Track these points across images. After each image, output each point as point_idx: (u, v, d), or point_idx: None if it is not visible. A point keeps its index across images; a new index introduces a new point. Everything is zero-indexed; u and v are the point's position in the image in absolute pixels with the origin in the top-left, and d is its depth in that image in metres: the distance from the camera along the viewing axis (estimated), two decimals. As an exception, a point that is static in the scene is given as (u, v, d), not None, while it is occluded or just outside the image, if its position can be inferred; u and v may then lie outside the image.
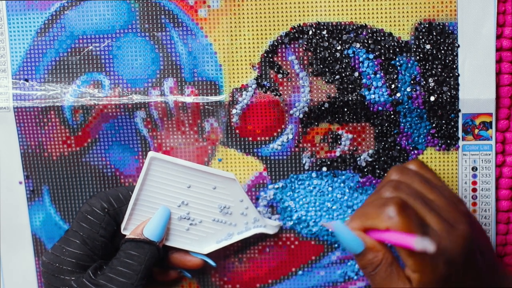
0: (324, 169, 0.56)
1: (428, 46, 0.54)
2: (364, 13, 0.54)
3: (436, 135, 0.55)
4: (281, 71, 0.55)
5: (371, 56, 0.54)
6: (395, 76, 0.54)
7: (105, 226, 0.51)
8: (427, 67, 0.54)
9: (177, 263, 0.55)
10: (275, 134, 0.55)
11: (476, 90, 0.54)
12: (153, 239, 0.51)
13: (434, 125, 0.55)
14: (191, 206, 0.53)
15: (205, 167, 0.53)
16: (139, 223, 0.52)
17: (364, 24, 0.54)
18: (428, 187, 0.46)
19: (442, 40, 0.54)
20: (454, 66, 0.54)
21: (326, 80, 0.54)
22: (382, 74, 0.54)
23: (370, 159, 0.56)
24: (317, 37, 0.54)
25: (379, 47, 0.54)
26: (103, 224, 0.51)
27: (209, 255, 0.55)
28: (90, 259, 0.50)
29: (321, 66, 0.54)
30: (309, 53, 0.54)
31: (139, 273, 0.49)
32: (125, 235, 0.52)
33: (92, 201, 0.51)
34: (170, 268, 0.56)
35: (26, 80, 0.55)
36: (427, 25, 0.54)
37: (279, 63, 0.55)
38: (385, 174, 0.55)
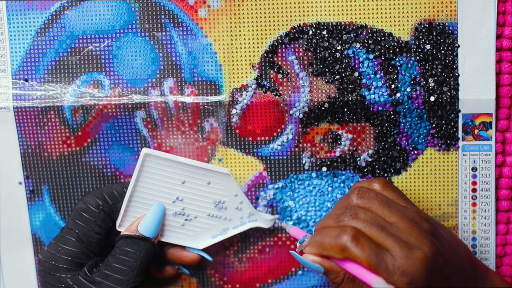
0: (324, 169, 0.56)
1: (428, 46, 0.54)
2: (364, 13, 0.54)
3: (436, 135, 0.55)
4: (281, 71, 0.55)
5: (371, 56, 0.54)
6: (395, 76, 0.54)
7: (100, 223, 0.51)
8: (427, 67, 0.54)
9: (174, 259, 0.55)
10: (275, 134, 0.55)
11: (476, 90, 0.54)
12: (148, 235, 0.51)
13: (434, 125, 0.55)
14: (186, 202, 0.54)
15: (199, 163, 0.53)
16: (134, 219, 0.53)
17: (364, 24, 0.54)
18: (388, 210, 0.47)
19: (442, 40, 0.54)
20: (454, 66, 0.54)
21: (326, 80, 0.54)
22: (382, 74, 0.54)
23: (370, 159, 0.56)
24: (317, 37, 0.54)
25: (379, 47, 0.54)
26: (98, 222, 0.51)
27: (206, 250, 0.55)
28: (86, 257, 0.50)
29: (321, 66, 0.54)
30: (309, 53, 0.54)
31: (134, 269, 0.49)
32: (120, 232, 0.52)
33: (86, 198, 0.51)
34: (167, 264, 0.56)
35: (26, 80, 0.55)
36: (427, 25, 0.54)
37: (279, 63, 0.55)
38: (348, 192, 0.53)
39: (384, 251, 0.44)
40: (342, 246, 0.44)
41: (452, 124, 0.55)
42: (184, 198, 0.54)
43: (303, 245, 0.49)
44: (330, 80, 0.54)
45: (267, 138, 0.56)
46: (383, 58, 0.54)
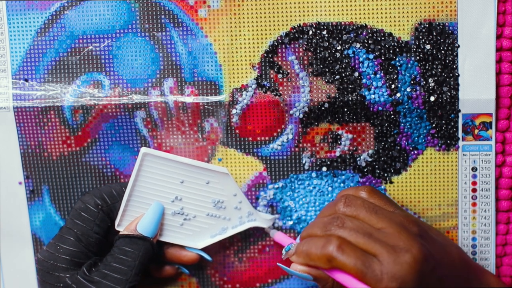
0: (324, 169, 0.56)
1: (428, 46, 0.54)
2: (364, 13, 0.54)
3: (436, 135, 0.55)
4: (281, 71, 0.55)
5: (371, 56, 0.54)
6: (395, 76, 0.54)
7: (99, 222, 0.51)
8: (427, 67, 0.54)
9: (173, 259, 0.55)
10: (275, 134, 0.55)
11: (476, 90, 0.54)
12: (146, 234, 0.51)
13: (434, 125, 0.55)
14: (184, 201, 0.54)
15: (198, 162, 0.53)
16: (133, 219, 0.53)
17: (364, 24, 0.54)
18: (376, 216, 0.47)
19: (442, 40, 0.54)
20: (454, 66, 0.54)
21: (326, 80, 0.54)
22: (382, 74, 0.54)
23: (370, 159, 0.56)
24: (317, 37, 0.54)
25: (379, 47, 0.54)
26: (97, 221, 0.51)
27: (205, 250, 0.55)
28: (84, 256, 0.50)
29: (321, 66, 0.54)
30: (309, 53, 0.54)
31: (133, 269, 0.49)
32: (119, 231, 0.52)
33: (85, 198, 0.51)
34: (167, 264, 0.56)
35: (26, 80, 0.55)
36: (427, 25, 0.54)
37: (279, 63, 0.55)
38: (334, 200, 0.52)
39: (371, 257, 0.44)
40: (328, 256, 0.45)
41: (452, 124, 0.55)
42: (183, 197, 0.54)
43: (289, 253, 0.49)
44: (330, 80, 0.54)
45: (267, 138, 0.56)
46: (383, 58, 0.54)
